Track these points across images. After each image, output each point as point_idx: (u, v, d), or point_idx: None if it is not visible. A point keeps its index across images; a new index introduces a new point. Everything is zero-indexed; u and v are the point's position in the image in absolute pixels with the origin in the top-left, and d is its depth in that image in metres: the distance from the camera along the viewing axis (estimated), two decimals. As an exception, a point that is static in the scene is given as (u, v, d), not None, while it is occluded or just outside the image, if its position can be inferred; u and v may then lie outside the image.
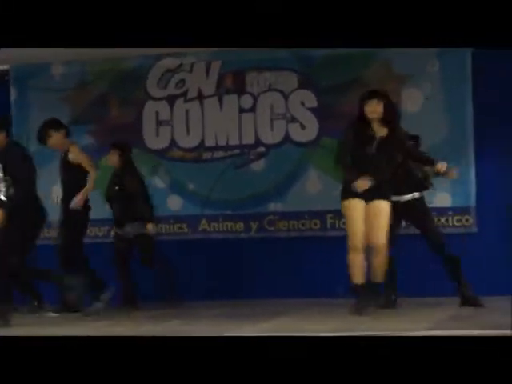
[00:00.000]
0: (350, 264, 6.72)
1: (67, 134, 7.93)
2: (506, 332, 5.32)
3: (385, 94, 6.86)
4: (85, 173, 7.79)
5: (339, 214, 8.29)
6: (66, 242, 7.73)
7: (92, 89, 9.01)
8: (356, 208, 6.72)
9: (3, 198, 6.75)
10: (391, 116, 6.79)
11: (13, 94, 9.13)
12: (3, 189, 6.88)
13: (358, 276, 6.71)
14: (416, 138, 7.48)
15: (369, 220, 6.73)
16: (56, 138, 7.86)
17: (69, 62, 8.87)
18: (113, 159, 8.23)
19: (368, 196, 6.71)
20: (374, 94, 6.83)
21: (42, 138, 7.91)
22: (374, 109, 6.74)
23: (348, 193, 6.76)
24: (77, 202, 7.65)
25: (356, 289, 6.74)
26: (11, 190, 7.07)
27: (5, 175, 6.88)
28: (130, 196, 8.02)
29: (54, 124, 7.91)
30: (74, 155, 7.81)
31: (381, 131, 6.79)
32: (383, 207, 6.79)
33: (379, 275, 6.82)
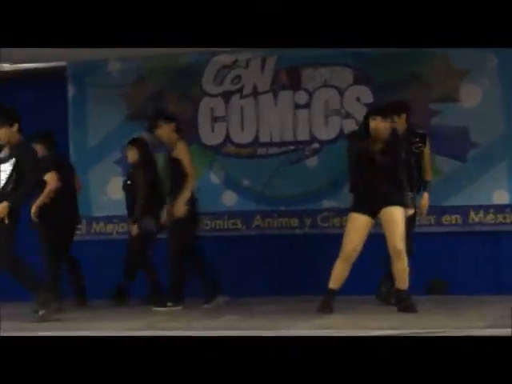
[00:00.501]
0: (334, 269, 6.93)
1: (177, 129, 7.82)
2: (506, 332, 5.22)
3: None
4: (184, 173, 7.68)
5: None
6: (179, 241, 7.68)
7: (149, 85, 8.98)
8: (356, 221, 6.86)
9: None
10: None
11: (70, 91, 9.13)
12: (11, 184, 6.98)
13: (334, 281, 6.91)
14: (423, 136, 7.50)
15: (385, 227, 6.85)
16: (164, 129, 7.76)
17: (126, 59, 8.84)
18: (130, 155, 8.25)
19: (374, 208, 6.82)
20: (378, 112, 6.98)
21: (151, 126, 7.85)
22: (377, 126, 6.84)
23: (354, 205, 6.93)
24: (179, 211, 7.63)
25: (327, 291, 6.91)
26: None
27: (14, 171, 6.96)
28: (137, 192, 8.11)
29: (164, 115, 7.91)
30: (179, 152, 7.72)
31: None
32: (396, 213, 6.83)
33: (402, 282, 6.89)
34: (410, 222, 7.08)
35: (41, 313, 6.88)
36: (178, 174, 7.66)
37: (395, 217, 6.82)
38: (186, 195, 7.60)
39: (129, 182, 8.25)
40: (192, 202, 7.70)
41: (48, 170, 7.81)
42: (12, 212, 6.94)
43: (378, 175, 6.82)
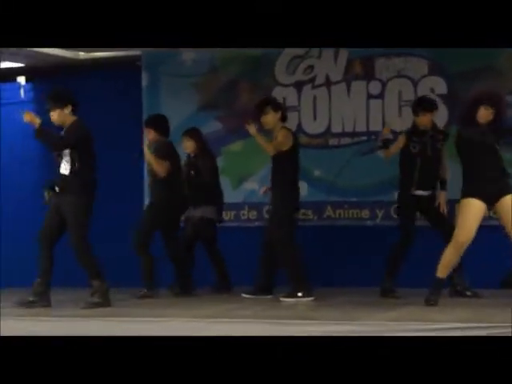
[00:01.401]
0: (445, 256, 6.69)
1: (283, 118, 7.62)
2: (506, 332, 5.09)
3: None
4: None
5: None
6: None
7: (222, 75, 8.90)
8: (472, 206, 6.63)
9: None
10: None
11: (144, 80, 9.09)
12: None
13: (444, 271, 6.71)
14: (446, 134, 7.51)
15: (505, 217, 6.70)
16: (272, 116, 7.54)
17: (199, 48, 8.81)
18: (187, 145, 8.22)
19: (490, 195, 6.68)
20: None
21: (258, 111, 7.59)
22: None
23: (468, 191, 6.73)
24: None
25: (436, 280, 6.73)
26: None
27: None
28: (201, 181, 8.10)
29: (273, 102, 7.70)
30: (279, 136, 7.52)
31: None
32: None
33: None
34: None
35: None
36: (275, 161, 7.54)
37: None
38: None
39: (192, 173, 8.19)
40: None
41: (161, 158, 7.84)
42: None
43: (493, 162, 6.69)
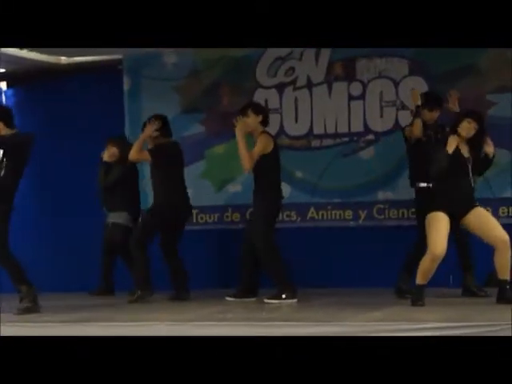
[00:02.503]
0: (423, 267, 6.64)
1: (264, 122, 7.48)
2: (506, 332, 5.05)
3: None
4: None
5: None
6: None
7: (203, 77, 8.77)
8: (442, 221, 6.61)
9: None
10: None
11: (126, 84, 8.97)
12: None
13: (423, 278, 6.65)
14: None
15: (478, 224, 6.71)
16: (252, 119, 7.39)
17: (180, 51, 8.68)
18: (110, 153, 8.29)
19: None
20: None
21: (241, 112, 7.42)
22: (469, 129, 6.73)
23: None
24: None
25: (417, 288, 6.70)
26: None
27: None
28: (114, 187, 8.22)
29: (255, 106, 7.59)
30: (258, 141, 7.41)
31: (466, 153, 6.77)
32: (482, 211, 6.75)
33: (506, 272, 6.67)
34: None
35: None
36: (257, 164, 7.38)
37: (484, 211, 6.77)
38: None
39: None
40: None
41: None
42: None
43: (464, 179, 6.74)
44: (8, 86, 9.47)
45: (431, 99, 7.42)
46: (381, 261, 8.02)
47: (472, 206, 6.74)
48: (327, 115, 8.41)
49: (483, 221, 6.73)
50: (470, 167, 6.75)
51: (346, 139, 8.37)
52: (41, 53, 8.80)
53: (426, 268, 6.61)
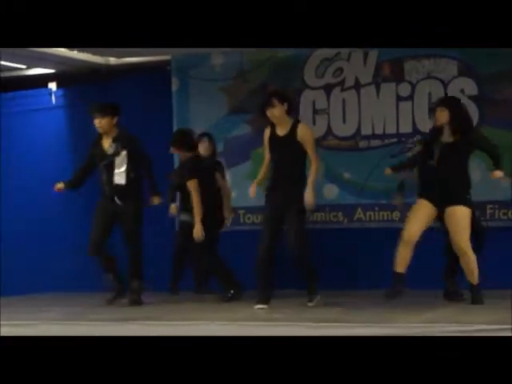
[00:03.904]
0: (397, 254, 6.69)
1: (289, 111, 7.10)
2: (506, 332, 4.99)
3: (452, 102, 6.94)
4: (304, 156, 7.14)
5: (499, 205, 7.91)
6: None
7: (251, 78, 8.74)
8: (420, 208, 6.71)
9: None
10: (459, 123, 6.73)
11: (174, 85, 8.98)
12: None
13: (398, 265, 6.67)
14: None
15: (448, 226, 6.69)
16: (278, 109, 7.01)
17: (228, 52, 8.66)
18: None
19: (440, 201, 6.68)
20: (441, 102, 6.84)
21: (265, 104, 7.09)
22: (441, 116, 6.73)
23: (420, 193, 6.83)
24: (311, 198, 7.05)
25: (394, 276, 6.68)
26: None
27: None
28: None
29: (279, 94, 7.15)
30: (301, 134, 7.01)
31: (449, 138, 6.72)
32: (457, 212, 6.65)
33: (469, 276, 6.73)
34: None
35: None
36: (294, 157, 7.00)
37: (456, 215, 6.67)
38: (314, 180, 6.97)
39: None
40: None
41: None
42: None
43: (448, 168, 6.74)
44: (58, 86, 9.52)
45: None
46: (428, 261, 7.92)
47: (451, 202, 6.68)
48: (375, 116, 8.33)
49: (452, 222, 6.68)
50: (453, 154, 6.72)
51: (394, 140, 8.28)
52: (91, 53, 8.84)
53: (399, 255, 6.66)
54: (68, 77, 9.35)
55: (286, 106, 7.03)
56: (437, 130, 6.83)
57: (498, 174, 6.86)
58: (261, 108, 7.15)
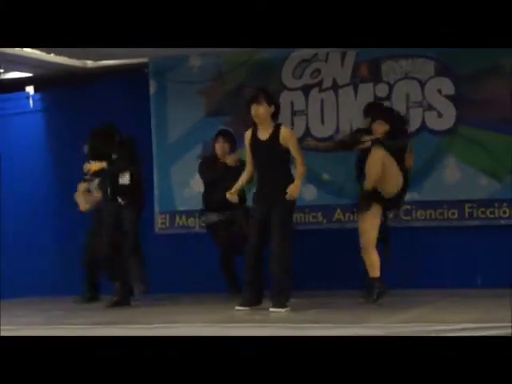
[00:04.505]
0: (373, 258, 6.94)
1: (274, 115, 6.86)
2: (506, 332, 4.95)
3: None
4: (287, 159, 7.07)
5: (478, 204, 7.93)
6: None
7: (229, 80, 8.70)
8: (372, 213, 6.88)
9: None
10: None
11: (152, 87, 8.92)
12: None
13: (375, 270, 6.88)
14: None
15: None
16: (264, 108, 6.78)
17: (206, 54, 8.61)
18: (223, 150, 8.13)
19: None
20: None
21: (252, 98, 6.86)
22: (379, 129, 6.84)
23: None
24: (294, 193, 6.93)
25: (374, 280, 6.86)
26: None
27: None
28: None
29: (268, 95, 6.89)
30: (284, 137, 6.84)
31: None
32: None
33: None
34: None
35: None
36: (277, 160, 6.84)
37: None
38: (300, 180, 6.88)
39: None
40: None
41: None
42: None
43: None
44: (35, 89, 9.45)
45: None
46: (407, 261, 7.95)
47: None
48: (353, 117, 8.29)
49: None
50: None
51: (373, 140, 8.28)
52: (68, 57, 8.78)
53: (367, 261, 6.96)
54: (45, 80, 9.29)
55: (272, 108, 6.83)
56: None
57: None
58: (246, 104, 6.94)
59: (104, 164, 7.45)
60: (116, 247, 7.42)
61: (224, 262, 8.04)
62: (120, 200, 7.45)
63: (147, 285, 7.54)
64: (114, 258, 7.41)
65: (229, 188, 7.09)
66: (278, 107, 6.91)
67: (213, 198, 7.96)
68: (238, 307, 6.81)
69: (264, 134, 6.82)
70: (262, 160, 6.84)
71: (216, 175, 7.96)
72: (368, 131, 7.12)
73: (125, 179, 7.47)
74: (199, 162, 8.23)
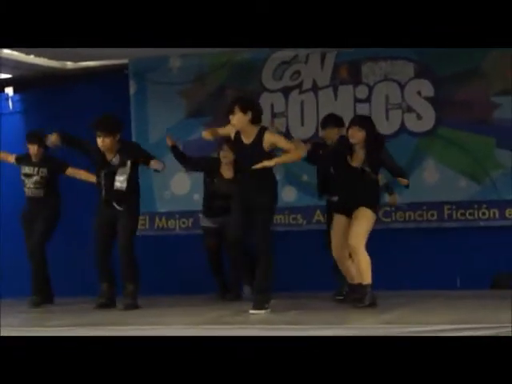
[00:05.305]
0: (348, 267, 6.93)
1: (254, 120, 6.71)
2: (506, 332, 4.96)
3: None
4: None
5: (457, 205, 7.94)
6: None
7: (209, 82, 8.69)
8: (337, 223, 6.88)
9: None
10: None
11: (132, 88, 8.88)
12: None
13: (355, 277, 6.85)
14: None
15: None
16: (239, 117, 6.68)
17: (186, 56, 8.60)
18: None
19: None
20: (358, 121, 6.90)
21: (228, 110, 6.80)
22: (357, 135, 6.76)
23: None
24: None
25: (357, 286, 6.82)
26: None
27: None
28: None
29: (241, 103, 6.73)
30: (268, 141, 6.75)
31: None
32: (357, 213, 6.75)
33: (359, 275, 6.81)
34: None
35: None
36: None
37: (356, 216, 6.78)
38: (281, 160, 6.87)
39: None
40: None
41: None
42: None
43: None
44: (15, 91, 9.39)
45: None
46: (387, 263, 7.94)
47: (357, 206, 6.81)
48: (333, 118, 8.31)
49: (353, 222, 6.82)
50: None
51: (352, 142, 8.27)
52: (47, 58, 8.73)
53: (349, 268, 6.92)
54: (25, 81, 9.23)
55: (249, 114, 6.71)
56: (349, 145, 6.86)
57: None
58: (225, 113, 6.93)
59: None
60: (107, 250, 7.29)
61: (212, 264, 8.00)
62: (115, 204, 7.25)
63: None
64: (105, 260, 7.28)
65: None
66: (256, 112, 6.80)
67: (209, 204, 7.92)
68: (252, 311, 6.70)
69: (247, 139, 6.79)
70: (245, 162, 6.83)
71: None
72: (323, 143, 7.32)
73: (121, 185, 7.24)
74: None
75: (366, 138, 6.78)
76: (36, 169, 7.90)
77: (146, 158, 7.30)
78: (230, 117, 6.77)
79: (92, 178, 7.59)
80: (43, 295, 7.83)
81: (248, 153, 6.77)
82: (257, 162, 6.68)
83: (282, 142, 6.79)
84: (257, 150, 6.73)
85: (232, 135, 6.91)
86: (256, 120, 6.75)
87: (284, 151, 6.78)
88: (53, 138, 7.37)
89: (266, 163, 6.63)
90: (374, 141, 6.80)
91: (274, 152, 6.79)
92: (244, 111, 6.69)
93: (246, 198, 6.79)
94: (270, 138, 6.74)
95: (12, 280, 8.93)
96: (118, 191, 7.23)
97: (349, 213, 6.82)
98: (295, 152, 6.78)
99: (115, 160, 7.24)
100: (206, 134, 6.95)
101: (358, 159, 6.81)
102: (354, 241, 6.69)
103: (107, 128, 7.15)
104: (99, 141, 7.18)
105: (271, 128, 7.63)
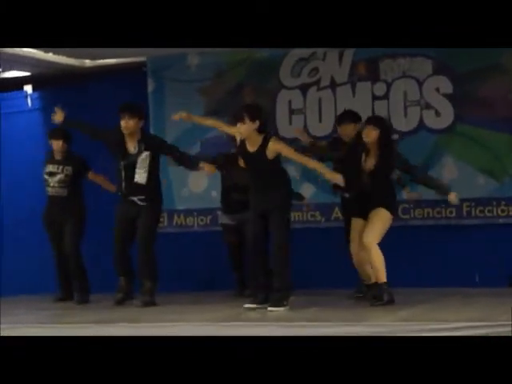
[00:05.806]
0: (364, 270, 6.94)
1: (260, 129, 6.75)
2: (506, 332, 4.95)
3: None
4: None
5: (476, 202, 7.90)
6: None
7: (227, 79, 8.68)
8: (354, 227, 6.91)
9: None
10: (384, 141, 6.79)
11: (150, 86, 8.89)
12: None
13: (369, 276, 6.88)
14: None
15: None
16: (246, 126, 6.72)
17: (205, 53, 8.59)
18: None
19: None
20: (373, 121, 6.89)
21: (235, 118, 6.84)
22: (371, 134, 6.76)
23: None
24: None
25: (377, 285, 6.80)
26: None
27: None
28: None
29: (248, 112, 6.75)
30: (272, 150, 6.79)
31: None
32: (373, 214, 6.76)
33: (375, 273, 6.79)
34: None
35: None
36: (267, 169, 6.80)
37: (373, 215, 6.78)
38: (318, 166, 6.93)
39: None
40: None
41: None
42: None
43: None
44: (33, 89, 9.42)
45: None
46: (405, 260, 7.92)
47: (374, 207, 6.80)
48: (351, 115, 8.28)
49: (368, 221, 6.81)
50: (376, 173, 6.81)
51: (370, 139, 8.24)
52: (66, 56, 8.76)
53: (366, 269, 6.92)
54: (43, 79, 9.26)
55: (257, 123, 6.75)
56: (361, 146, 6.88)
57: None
58: (233, 120, 6.97)
59: None
60: (126, 244, 7.29)
61: (233, 260, 7.98)
62: (136, 199, 7.24)
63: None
64: (124, 255, 7.29)
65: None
66: (263, 121, 6.83)
67: (227, 201, 7.93)
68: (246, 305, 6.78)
69: (252, 147, 6.83)
70: (252, 169, 6.91)
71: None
72: (340, 140, 7.35)
73: (141, 178, 7.23)
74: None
75: (380, 137, 6.76)
76: (61, 167, 7.89)
77: (178, 154, 7.45)
78: (238, 125, 6.79)
79: (112, 188, 7.60)
80: (68, 292, 7.86)
81: (253, 160, 6.83)
82: (261, 170, 6.78)
83: (291, 155, 6.83)
84: (261, 158, 6.78)
85: (237, 139, 6.97)
86: (262, 128, 6.80)
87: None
88: (57, 114, 7.36)
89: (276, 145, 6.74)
90: (388, 142, 6.80)
91: (279, 160, 6.82)
92: (253, 120, 6.75)
93: (259, 200, 6.78)
94: (274, 147, 6.77)
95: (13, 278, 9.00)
96: (138, 184, 7.21)
97: (365, 215, 6.79)
98: (335, 175, 6.84)
99: (134, 150, 7.22)
100: (213, 123, 7.31)
101: (371, 159, 6.79)
102: (368, 239, 6.69)
103: (132, 109, 7.23)
104: (123, 122, 7.20)
105: (300, 136, 7.73)
